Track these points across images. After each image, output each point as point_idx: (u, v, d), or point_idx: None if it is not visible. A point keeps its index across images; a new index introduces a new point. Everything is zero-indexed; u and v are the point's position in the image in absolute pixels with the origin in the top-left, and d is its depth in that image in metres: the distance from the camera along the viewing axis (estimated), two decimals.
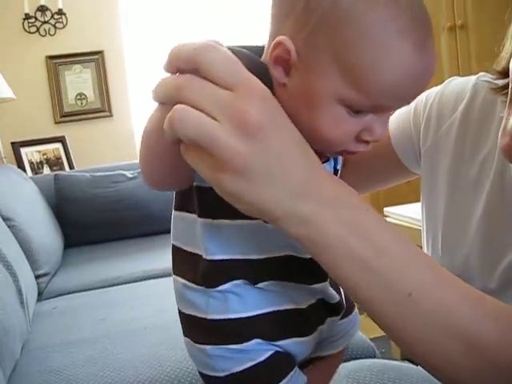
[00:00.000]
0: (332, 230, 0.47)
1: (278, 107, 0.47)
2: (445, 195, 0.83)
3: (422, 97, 0.88)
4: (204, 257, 0.55)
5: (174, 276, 0.60)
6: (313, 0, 0.48)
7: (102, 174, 2.86)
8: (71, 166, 3.32)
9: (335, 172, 0.60)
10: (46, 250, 2.19)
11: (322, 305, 0.61)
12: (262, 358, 0.56)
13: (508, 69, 0.66)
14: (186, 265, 0.58)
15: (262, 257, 0.55)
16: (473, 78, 0.83)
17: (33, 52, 3.37)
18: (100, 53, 3.46)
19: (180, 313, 0.60)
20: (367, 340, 1.31)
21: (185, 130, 0.44)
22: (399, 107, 0.53)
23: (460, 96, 0.83)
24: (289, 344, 0.58)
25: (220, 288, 0.55)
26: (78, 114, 3.46)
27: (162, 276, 1.98)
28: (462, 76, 0.87)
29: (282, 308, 0.57)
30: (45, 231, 2.36)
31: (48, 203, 2.70)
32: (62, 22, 3.39)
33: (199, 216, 0.55)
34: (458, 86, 0.85)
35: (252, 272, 0.55)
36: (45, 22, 3.38)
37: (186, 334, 0.60)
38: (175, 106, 0.45)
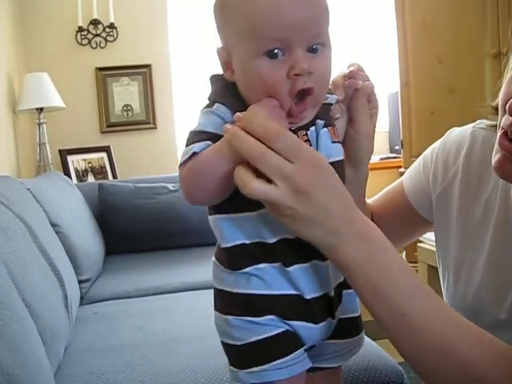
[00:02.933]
0: (352, 259, 0.61)
1: (327, 172, 0.61)
2: (455, 235, 0.90)
3: (429, 150, 0.98)
4: (221, 245, 0.69)
5: (213, 258, 0.73)
6: (216, 19, 0.69)
7: (145, 185, 2.94)
8: (114, 176, 3.42)
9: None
10: (88, 256, 2.27)
11: (328, 300, 0.69)
12: (273, 333, 0.66)
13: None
14: (218, 249, 0.71)
15: (272, 240, 0.66)
16: (470, 127, 0.92)
17: (83, 63, 3.50)
18: (148, 66, 3.57)
19: (214, 289, 0.71)
20: (396, 364, 1.33)
21: (253, 194, 0.58)
22: (302, 40, 0.62)
23: (460, 144, 0.92)
24: (299, 326, 0.67)
25: (244, 270, 0.67)
26: (123, 125, 3.57)
27: (198, 288, 2.03)
28: None
29: (296, 293, 0.67)
30: (88, 238, 2.44)
31: (92, 210, 2.79)
32: (112, 36, 3.51)
33: (217, 213, 0.68)
34: (458, 135, 0.94)
35: (266, 254, 0.66)
36: (96, 35, 3.51)
37: (215, 307, 0.71)
38: (249, 180, 0.58)
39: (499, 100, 0.76)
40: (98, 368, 1.37)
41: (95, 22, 3.48)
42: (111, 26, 3.48)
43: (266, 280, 0.66)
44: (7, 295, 0.95)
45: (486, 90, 3.06)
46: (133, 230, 2.80)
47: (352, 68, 0.73)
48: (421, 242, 2.24)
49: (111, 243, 2.77)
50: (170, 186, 2.91)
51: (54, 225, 2.02)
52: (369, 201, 1.03)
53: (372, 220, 0.96)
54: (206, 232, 2.51)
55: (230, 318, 0.67)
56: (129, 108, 3.59)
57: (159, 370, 1.33)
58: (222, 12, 0.67)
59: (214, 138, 0.64)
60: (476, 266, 0.87)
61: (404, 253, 3.23)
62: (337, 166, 0.66)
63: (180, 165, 0.65)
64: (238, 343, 0.67)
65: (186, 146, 0.65)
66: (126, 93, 3.59)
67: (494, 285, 0.84)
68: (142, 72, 3.58)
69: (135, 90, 3.59)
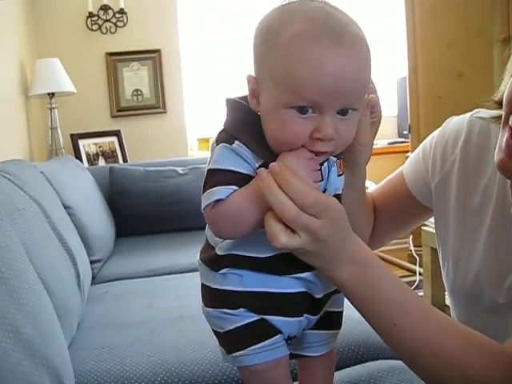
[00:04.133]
0: (346, 281, 0.68)
1: (343, 222, 0.66)
2: (454, 222, 0.94)
3: (428, 139, 1.00)
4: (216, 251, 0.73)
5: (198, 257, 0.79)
6: (255, 44, 0.67)
7: (155, 168, 2.99)
8: (125, 159, 3.48)
9: (324, 192, 0.69)
10: (99, 237, 2.33)
11: (307, 297, 0.73)
12: (245, 322, 0.72)
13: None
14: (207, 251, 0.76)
15: (265, 255, 0.70)
16: (467, 116, 0.94)
17: (94, 49, 3.55)
18: (157, 51, 3.60)
19: (201, 283, 0.77)
20: None
21: (281, 247, 0.63)
22: (336, 105, 0.62)
23: (458, 133, 0.94)
24: (274, 320, 0.72)
25: (221, 271, 0.72)
26: (133, 109, 3.62)
27: None
28: None
29: (270, 290, 0.71)
30: (99, 220, 2.50)
31: (102, 193, 2.86)
32: (122, 21, 3.55)
33: None
34: (456, 124, 0.96)
35: (249, 265, 0.71)
36: (106, 21, 3.55)
37: (202, 299, 0.77)
38: (279, 235, 0.63)
39: (504, 97, 0.75)
40: (109, 342, 1.44)
41: (105, 8, 3.52)
42: (121, 11, 3.52)
43: (243, 277, 0.71)
44: (25, 271, 1.00)
45: (494, 75, 3.06)
46: (142, 212, 2.86)
47: None
48: (425, 225, 2.28)
49: (121, 225, 2.84)
50: (179, 170, 2.96)
51: (66, 207, 2.08)
52: (370, 190, 1.06)
53: (374, 209, 1.01)
54: None
55: (210, 310, 0.74)
56: (139, 93, 3.64)
57: (166, 345, 1.40)
58: (264, 46, 0.65)
59: (235, 177, 0.65)
60: (474, 253, 0.90)
61: (411, 237, 3.27)
62: (339, 197, 0.71)
63: (204, 207, 0.67)
64: (221, 331, 0.74)
65: (206, 185, 0.66)
66: (136, 77, 3.64)
67: (492, 270, 0.87)
68: (152, 57, 3.61)
69: (145, 74, 3.63)
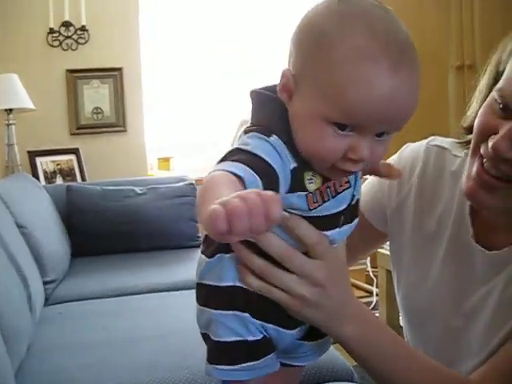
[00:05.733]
0: (348, 339, 0.71)
1: (342, 269, 0.71)
2: (409, 247, 0.95)
3: None
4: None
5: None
6: (301, 39, 0.61)
7: (113, 187, 2.96)
8: (83, 178, 3.43)
9: (352, 198, 0.68)
10: (54, 257, 2.28)
11: None
12: (250, 338, 0.67)
13: (472, 126, 0.78)
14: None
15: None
16: (424, 143, 0.96)
17: (54, 65, 3.49)
18: (119, 69, 3.58)
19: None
20: (346, 364, 1.39)
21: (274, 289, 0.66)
22: (380, 129, 0.59)
23: (415, 161, 0.95)
24: (272, 330, 0.69)
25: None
26: (93, 127, 3.57)
27: (163, 290, 2.07)
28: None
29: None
30: (54, 240, 2.45)
31: (59, 212, 2.80)
32: (84, 38, 3.52)
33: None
34: (412, 152, 0.97)
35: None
36: (68, 37, 3.51)
37: (199, 301, 0.71)
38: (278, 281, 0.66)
39: (475, 127, 0.76)
40: (61, 365, 1.40)
41: (67, 24, 3.48)
42: (83, 28, 3.49)
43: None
44: None
45: (449, 101, 3.15)
46: (100, 232, 2.81)
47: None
48: (381, 247, 2.31)
49: (78, 245, 2.78)
50: (138, 190, 2.94)
51: (19, 226, 2.03)
52: None
53: None
54: (171, 235, 2.53)
55: (215, 312, 0.67)
56: (99, 111, 3.60)
57: (120, 368, 1.37)
58: (315, 48, 0.59)
59: (265, 169, 0.57)
60: (428, 278, 0.91)
61: (369, 258, 3.31)
62: (357, 202, 0.70)
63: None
64: (214, 338, 0.67)
65: (226, 158, 0.56)
66: (96, 95, 3.60)
67: (446, 296, 0.88)
68: (113, 75, 3.58)
69: (106, 92, 3.60)
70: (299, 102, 0.61)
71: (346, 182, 0.65)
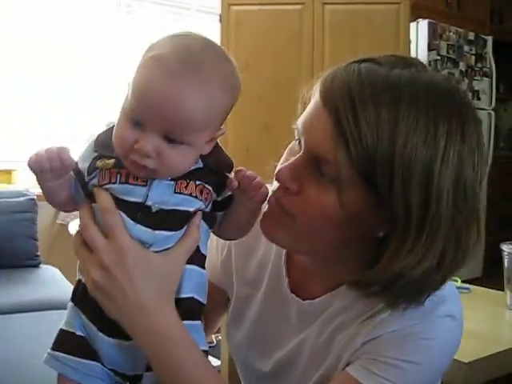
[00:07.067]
0: (145, 350, 0.69)
1: (145, 267, 0.68)
2: (234, 291, 0.94)
3: None
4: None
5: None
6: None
7: None
8: None
9: (147, 198, 0.70)
10: None
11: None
12: (70, 330, 0.74)
13: None
14: None
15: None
16: None
17: None
18: None
19: None
20: None
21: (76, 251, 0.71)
22: (162, 128, 0.66)
23: None
24: (92, 330, 0.72)
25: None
26: None
27: None
28: None
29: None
30: None
31: None
32: None
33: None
34: None
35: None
36: None
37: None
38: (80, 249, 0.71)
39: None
40: None
41: None
42: None
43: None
44: None
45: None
46: None
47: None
48: None
49: None
50: None
51: None
52: None
53: None
54: (7, 253, 2.63)
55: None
56: None
57: None
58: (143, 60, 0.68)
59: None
60: (245, 322, 0.91)
61: None
62: (172, 213, 0.70)
63: None
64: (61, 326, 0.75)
65: None
66: None
67: (258, 343, 0.89)
68: None
69: None
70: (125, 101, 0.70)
71: (143, 181, 0.69)
